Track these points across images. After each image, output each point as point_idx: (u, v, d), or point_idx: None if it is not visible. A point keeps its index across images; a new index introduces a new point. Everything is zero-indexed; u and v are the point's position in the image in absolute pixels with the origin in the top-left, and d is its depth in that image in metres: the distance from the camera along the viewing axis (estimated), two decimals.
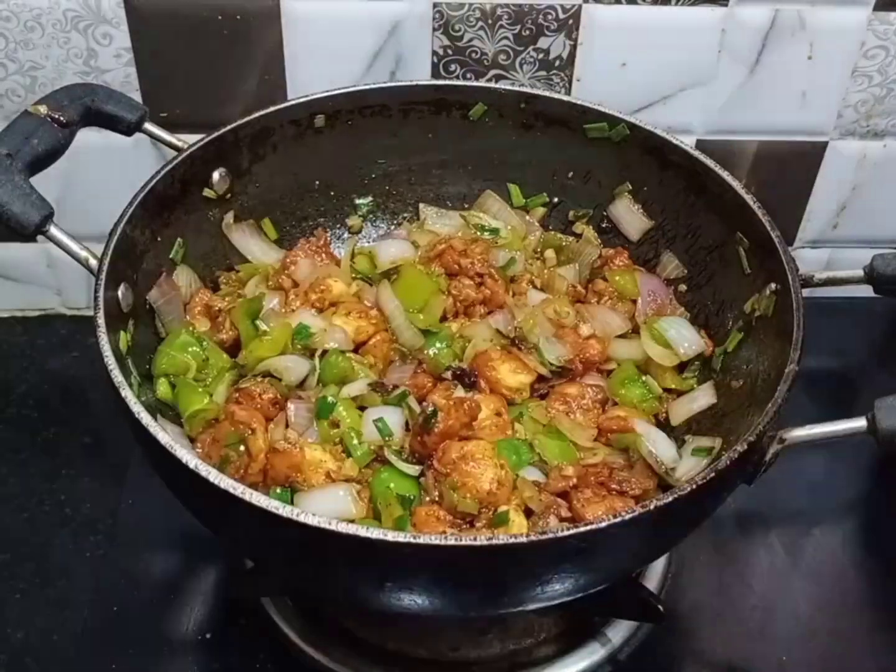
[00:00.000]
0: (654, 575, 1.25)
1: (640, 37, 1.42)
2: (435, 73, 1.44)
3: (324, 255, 1.33)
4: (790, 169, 1.58)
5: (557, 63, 1.43)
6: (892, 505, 1.40)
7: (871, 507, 1.41)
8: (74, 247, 1.09)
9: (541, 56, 1.43)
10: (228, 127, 1.24)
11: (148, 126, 1.24)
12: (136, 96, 1.42)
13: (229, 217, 1.30)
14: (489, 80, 1.44)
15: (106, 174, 1.47)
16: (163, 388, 1.14)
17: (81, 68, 1.40)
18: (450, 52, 1.42)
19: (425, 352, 1.21)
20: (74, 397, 1.55)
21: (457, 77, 1.44)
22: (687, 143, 1.26)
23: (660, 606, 1.12)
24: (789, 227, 1.64)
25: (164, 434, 0.90)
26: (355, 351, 1.22)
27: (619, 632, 1.20)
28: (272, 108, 1.28)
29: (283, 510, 0.83)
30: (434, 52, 1.42)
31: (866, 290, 1.15)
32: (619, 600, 1.13)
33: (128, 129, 1.23)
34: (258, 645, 1.20)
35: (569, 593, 0.93)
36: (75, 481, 1.40)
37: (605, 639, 1.19)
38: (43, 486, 1.39)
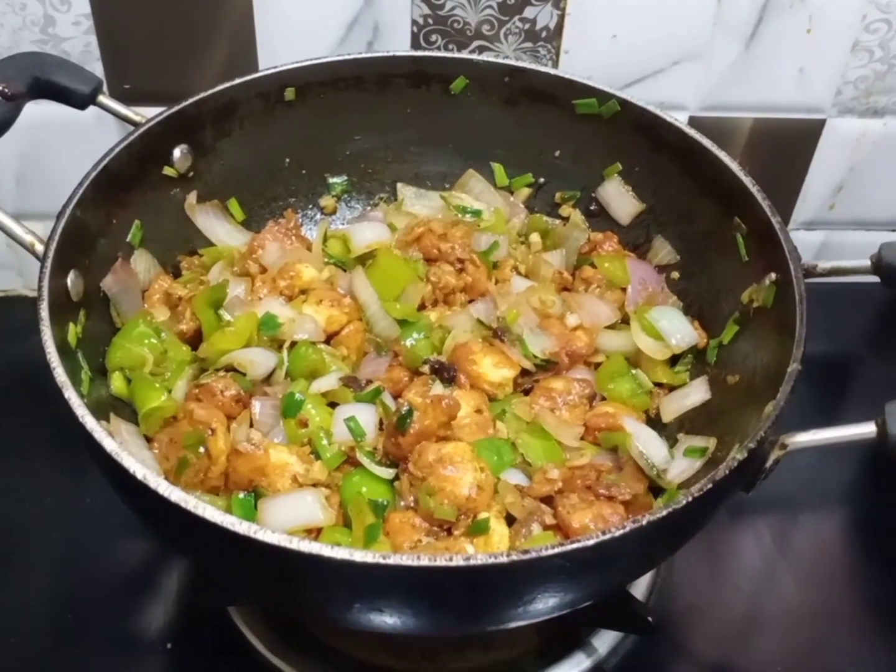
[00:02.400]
0: (641, 581, 1.19)
1: (631, 7, 1.35)
2: (415, 44, 1.37)
3: (294, 238, 1.26)
4: (786, 147, 1.52)
5: (544, 34, 1.36)
6: (892, 507, 1.34)
7: (870, 508, 1.35)
8: (18, 230, 1.01)
9: (526, 27, 1.36)
10: (190, 100, 1.17)
11: (103, 99, 1.17)
12: (97, 66, 1.35)
13: (192, 197, 1.22)
14: (472, 52, 1.37)
15: (69, 150, 1.39)
16: (117, 382, 1.07)
17: (38, 36, 1.32)
18: (430, 21, 1.35)
19: (402, 343, 1.14)
20: (37, 384, 1.46)
21: (438, 48, 1.37)
22: (680, 119, 1.20)
23: (649, 618, 1.06)
24: (784, 208, 1.58)
25: (111, 441, 0.83)
26: (327, 342, 1.15)
27: (606, 641, 1.14)
28: (238, 81, 1.20)
29: (240, 527, 0.76)
30: (414, 22, 1.35)
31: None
32: (606, 611, 1.07)
33: (81, 101, 1.16)
34: (223, 656, 1.14)
35: (552, 611, 0.86)
36: (37, 475, 1.33)
37: (590, 649, 1.13)
38: (1, 481, 1.31)
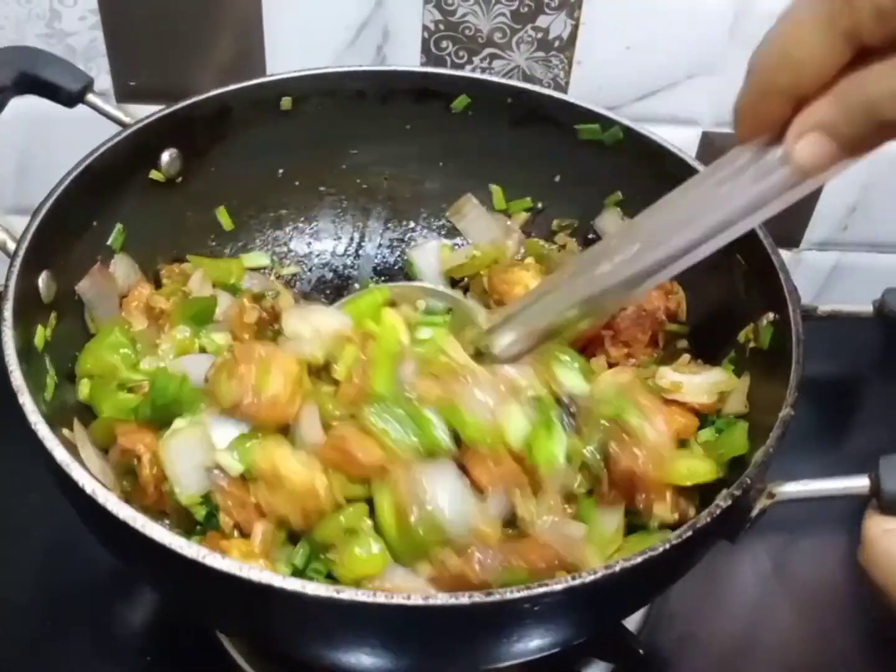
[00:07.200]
0: None
1: (646, 18, 1.31)
2: (425, 50, 1.34)
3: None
4: None
5: (557, 44, 1.33)
6: None
7: None
8: None
9: (539, 35, 1.32)
10: (182, 104, 1.13)
11: (92, 98, 1.13)
12: (103, 62, 1.32)
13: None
14: (483, 59, 1.34)
15: (67, 146, 1.33)
16: (86, 389, 1.02)
17: (43, 31, 1.29)
18: (441, 27, 1.32)
19: None
20: None
21: (448, 55, 1.34)
22: (693, 135, 1.15)
23: (640, 650, 1.01)
24: (796, 228, 1.54)
25: (62, 450, 0.79)
26: None
27: (596, 670, 1.08)
28: (232, 87, 1.17)
29: (188, 550, 0.71)
30: (425, 27, 1.32)
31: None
32: (594, 641, 1.02)
33: (69, 99, 1.12)
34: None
35: (524, 655, 0.82)
36: (24, 466, 1.26)
37: None
38: None
